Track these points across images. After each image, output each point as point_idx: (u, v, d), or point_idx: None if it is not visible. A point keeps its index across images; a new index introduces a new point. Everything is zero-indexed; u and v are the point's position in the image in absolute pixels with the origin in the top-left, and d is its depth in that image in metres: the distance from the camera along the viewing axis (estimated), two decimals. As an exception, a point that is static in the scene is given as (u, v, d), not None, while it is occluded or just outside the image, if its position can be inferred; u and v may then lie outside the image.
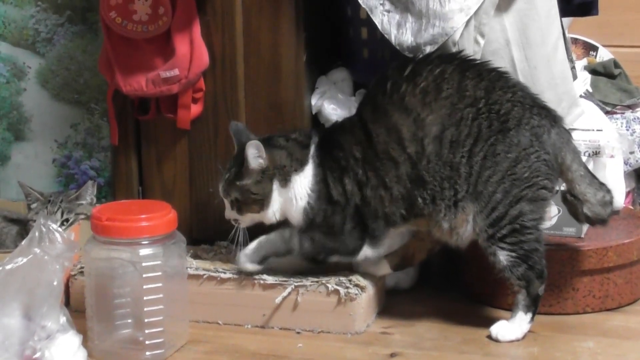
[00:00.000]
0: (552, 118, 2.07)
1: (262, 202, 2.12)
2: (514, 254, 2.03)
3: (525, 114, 2.03)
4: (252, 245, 2.13)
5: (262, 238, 2.14)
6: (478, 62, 2.10)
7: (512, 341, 2.04)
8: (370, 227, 2.09)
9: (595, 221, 2.12)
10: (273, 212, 2.13)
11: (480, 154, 2.01)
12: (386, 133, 2.05)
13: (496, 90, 2.04)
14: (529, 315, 2.05)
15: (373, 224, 2.09)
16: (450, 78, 2.04)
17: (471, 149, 2.01)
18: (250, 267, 2.13)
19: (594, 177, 2.11)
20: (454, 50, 2.14)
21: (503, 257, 2.03)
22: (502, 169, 2.01)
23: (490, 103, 2.03)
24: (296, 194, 2.11)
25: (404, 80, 2.06)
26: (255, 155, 2.09)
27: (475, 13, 2.16)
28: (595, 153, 2.32)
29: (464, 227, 2.06)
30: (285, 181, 2.11)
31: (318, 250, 2.12)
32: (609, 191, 2.11)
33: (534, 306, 2.05)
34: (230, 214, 2.16)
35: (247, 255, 2.13)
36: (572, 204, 2.12)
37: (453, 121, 2.02)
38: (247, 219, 2.15)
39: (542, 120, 2.04)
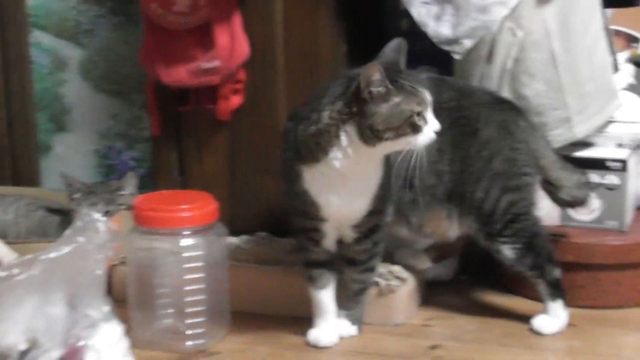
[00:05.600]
0: (516, 110, 2.11)
1: None
2: (517, 245, 2.05)
3: (490, 113, 2.07)
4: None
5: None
6: (447, 78, 2.14)
7: (554, 333, 2.04)
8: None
9: (574, 204, 2.15)
10: None
11: (459, 159, 2.05)
12: None
13: (464, 97, 2.08)
14: (559, 301, 2.05)
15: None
16: (432, 93, 2.02)
17: (452, 156, 2.04)
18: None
19: (566, 162, 2.14)
20: (489, 40, 2.17)
21: (508, 251, 2.05)
22: (477, 169, 2.04)
23: (460, 110, 2.06)
24: None
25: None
26: None
27: (515, 5, 2.15)
28: (639, 146, 2.30)
29: (431, 226, 2.09)
30: None
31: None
32: (583, 173, 2.14)
33: (559, 291, 2.06)
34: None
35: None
36: (549, 191, 2.13)
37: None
38: None
39: (507, 113, 2.08)
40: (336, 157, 1.85)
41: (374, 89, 1.79)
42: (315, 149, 1.86)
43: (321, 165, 1.87)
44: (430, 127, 1.83)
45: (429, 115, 1.83)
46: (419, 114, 1.81)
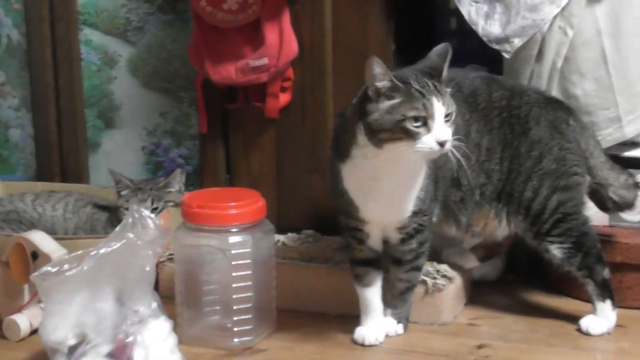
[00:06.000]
0: (567, 110, 2.10)
1: None
2: (566, 245, 2.04)
3: (541, 112, 2.06)
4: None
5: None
6: (497, 77, 2.13)
7: (602, 334, 2.02)
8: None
9: (622, 205, 2.14)
10: None
11: (509, 158, 2.04)
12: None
13: (515, 97, 2.07)
14: (608, 302, 2.04)
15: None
16: (482, 92, 2.06)
17: (502, 155, 2.04)
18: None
19: (614, 163, 2.13)
20: (539, 39, 2.16)
21: (556, 250, 2.04)
22: (527, 168, 2.03)
23: (511, 109, 2.05)
24: None
25: (452, 85, 1.92)
26: None
27: (566, 4, 2.13)
28: (689, 146, 2.28)
29: (480, 225, 2.09)
30: None
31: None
32: (631, 175, 2.13)
33: (607, 291, 2.04)
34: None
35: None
36: (597, 191, 2.12)
37: (487, 129, 2.03)
38: None
39: (557, 113, 2.07)
40: (357, 155, 1.85)
41: (379, 84, 1.78)
42: (342, 145, 1.88)
43: (350, 163, 1.88)
44: (433, 136, 1.76)
45: (435, 124, 1.76)
46: (417, 119, 1.75)
